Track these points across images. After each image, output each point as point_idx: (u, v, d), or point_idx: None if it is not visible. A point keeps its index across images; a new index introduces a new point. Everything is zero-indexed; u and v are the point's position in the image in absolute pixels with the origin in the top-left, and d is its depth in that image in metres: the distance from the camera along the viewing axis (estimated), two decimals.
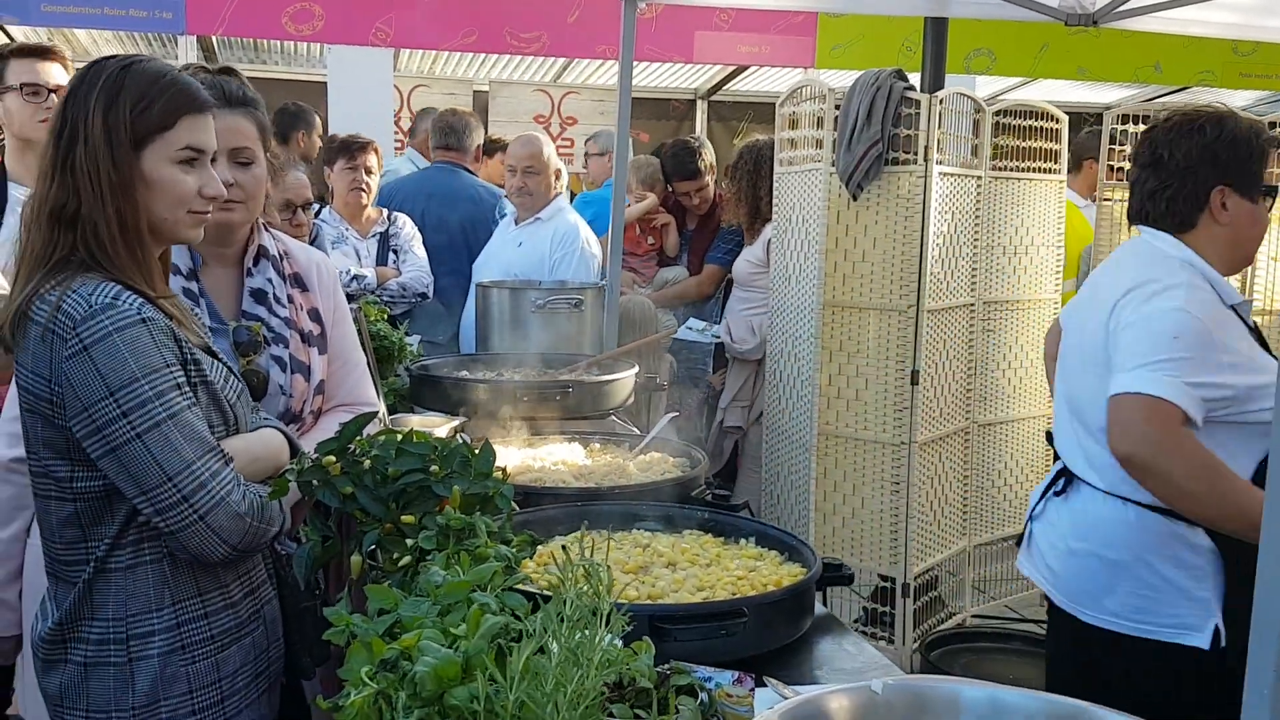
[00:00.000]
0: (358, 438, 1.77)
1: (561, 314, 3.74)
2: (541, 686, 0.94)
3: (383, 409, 2.82)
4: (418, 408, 3.17)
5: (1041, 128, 4.89)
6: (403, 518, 1.68)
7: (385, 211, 4.86)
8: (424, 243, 4.87)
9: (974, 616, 4.94)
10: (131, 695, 1.70)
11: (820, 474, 4.30)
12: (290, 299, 2.32)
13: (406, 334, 4.02)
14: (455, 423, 2.89)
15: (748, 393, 4.93)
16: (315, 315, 2.35)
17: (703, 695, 1.38)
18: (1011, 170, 4.80)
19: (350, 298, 4.43)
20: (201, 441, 1.65)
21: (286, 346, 2.29)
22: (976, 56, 7.34)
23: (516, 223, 4.49)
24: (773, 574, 2.01)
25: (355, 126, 5.49)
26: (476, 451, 1.75)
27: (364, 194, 4.66)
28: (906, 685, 1.25)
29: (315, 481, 1.71)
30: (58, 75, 3.20)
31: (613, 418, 3.21)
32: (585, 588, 1.10)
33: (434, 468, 1.70)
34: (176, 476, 1.61)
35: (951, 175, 4.45)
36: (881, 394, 4.25)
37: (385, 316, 3.65)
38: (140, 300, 1.65)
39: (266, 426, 1.87)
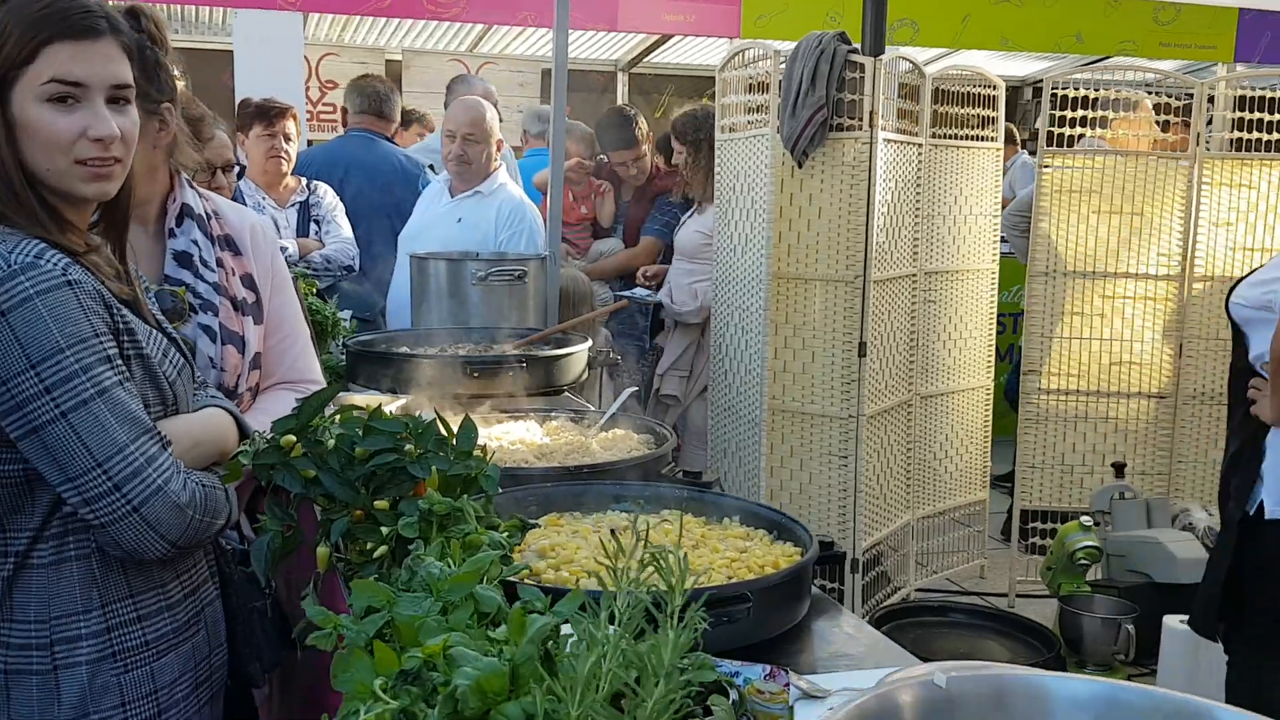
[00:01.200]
0: (319, 416, 1.57)
1: (502, 288, 3.54)
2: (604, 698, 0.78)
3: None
4: (353, 386, 2.96)
5: (978, 94, 4.83)
6: (375, 503, 1.49)
7: (304, 180, 4.60)
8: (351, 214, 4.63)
9: (917, 590, 4.90)
10: (57, 707, 1.49)
11: (768, 449, 4.19)
12: (220, 263, 2.11)
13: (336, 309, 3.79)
14: (400, 402, 2.69)
15: (687, 361, 4.76)
16: (249, 281, 2.14)
17: (733, 693, 1.23)
18: (950, 139, 4.73)
19: None
20: (135, 422, 1.44)
21: (216, 315, 2.08)
22: (900, 27, 7.27)
23: (452, 194, 4.25)
24: (767, 554, 1.88)
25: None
26: (455, 429, 1.57)
27: (283, 162, 4.39)
28: (977, 677, 1.11)
29: (273, 464, 1.51)
30: None
31: (567, 394, 3.03)
32: (639, 575, 0.94)
33: (409, 447, 1.52)
34: (107, 462, 1.40)
35: (895, 142, 4.36)
36: (829, 367, 4.16)
37: (315, 290, 3.43)
38: (66, 260, 1.43)
39: (212, 406, 1.66)
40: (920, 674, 1.18)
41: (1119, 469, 4.64)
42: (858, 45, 4.19)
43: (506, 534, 1.49)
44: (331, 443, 1.54)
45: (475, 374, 2.79)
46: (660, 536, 1.95)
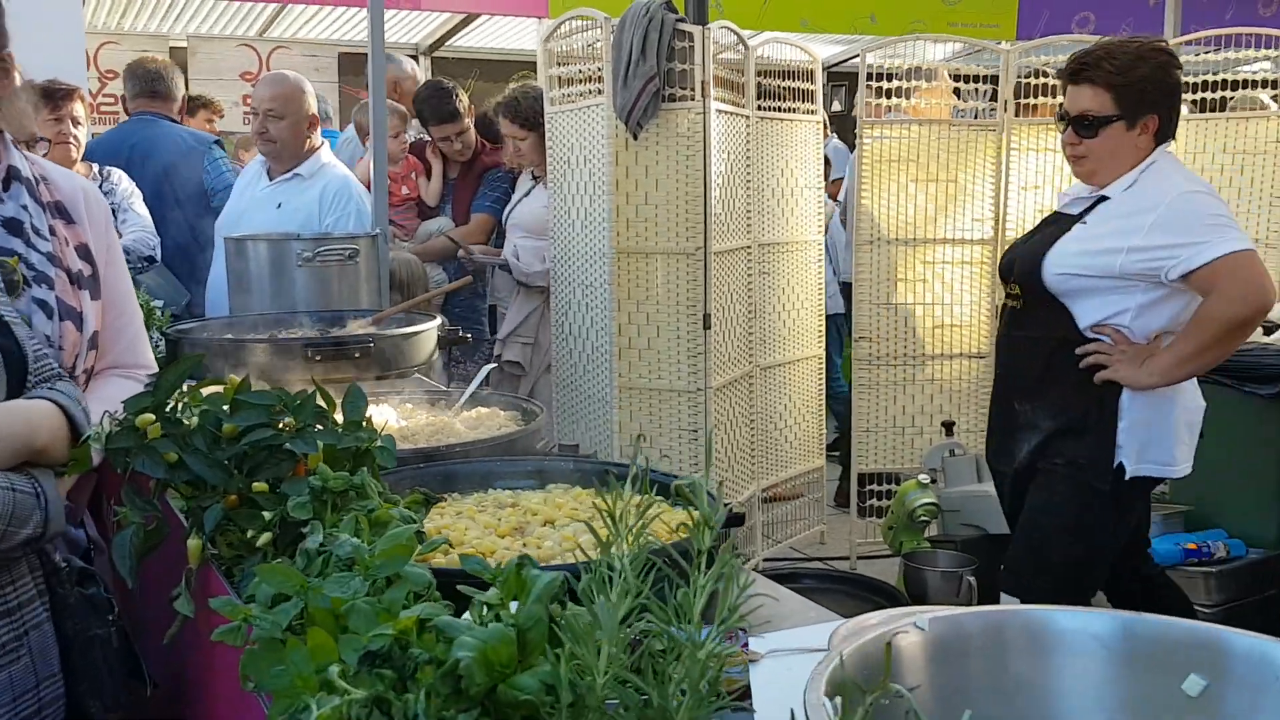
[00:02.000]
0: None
1: (331, 269, 3.30)
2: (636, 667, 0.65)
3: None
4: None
5: (798, 68, 4.88)
6: (254, 485, 1.29)
7: (95, 167, 4.20)
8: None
9: (765, 560, 4.91)
10: None
11: (618, 426, 4.10)
12: (53, 231, 1.84)
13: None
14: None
15: (531, 329, 4.57)
16: (85, 252, 1.88)
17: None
18: (773, 111, 4.75)
19: None
20: None
21: (51, 288, 1.82)
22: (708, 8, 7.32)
23: (270, 177, 3.94)
24: (672, 519, 1.76)
25: None
26: (338, 400, 1.39)
27: (73, 147, 3.98)
28: (959, 617, 1.04)
29: (129, 448, 1.29)
30: None
31: (417, 376, 2.84)
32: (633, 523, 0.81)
33: (287, 420, 1.33)
34: None
35: (725, 114, 4.33)
36: (674, 341, 4.09)
37: None
38: None
39: (39, 398, 1.41)
40: (882, 622, 1.10)
41: (948, 427, 4.77)
42: (684, 16, 4.13)
43: (410, 509, 1.32)
44: (195, 421, 1.33)
45: (317, 357, 2.56)
46: (553, 511, 1.82)
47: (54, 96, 3.93)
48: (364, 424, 1.37)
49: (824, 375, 5.20)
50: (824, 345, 5.20)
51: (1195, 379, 2.82)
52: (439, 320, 2.91)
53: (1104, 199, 2.77)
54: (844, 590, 4.50)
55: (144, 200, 4.29)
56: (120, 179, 4.21)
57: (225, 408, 1.35)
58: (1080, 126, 2.77)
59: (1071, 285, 2.74)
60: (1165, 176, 2.71)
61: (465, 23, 8.24)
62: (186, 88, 5.83)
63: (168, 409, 1.34)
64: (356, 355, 2.63)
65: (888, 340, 4.91)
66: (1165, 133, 2.76)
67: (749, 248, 4.58)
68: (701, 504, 0.84)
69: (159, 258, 4.17)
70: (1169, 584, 3.29)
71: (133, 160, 4.47)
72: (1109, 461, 2.75)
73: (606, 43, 4.02)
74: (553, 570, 0.85)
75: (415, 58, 9.02)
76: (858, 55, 5.01)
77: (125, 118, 5.07)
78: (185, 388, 1.41)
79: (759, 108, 4.63)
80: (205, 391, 1.38)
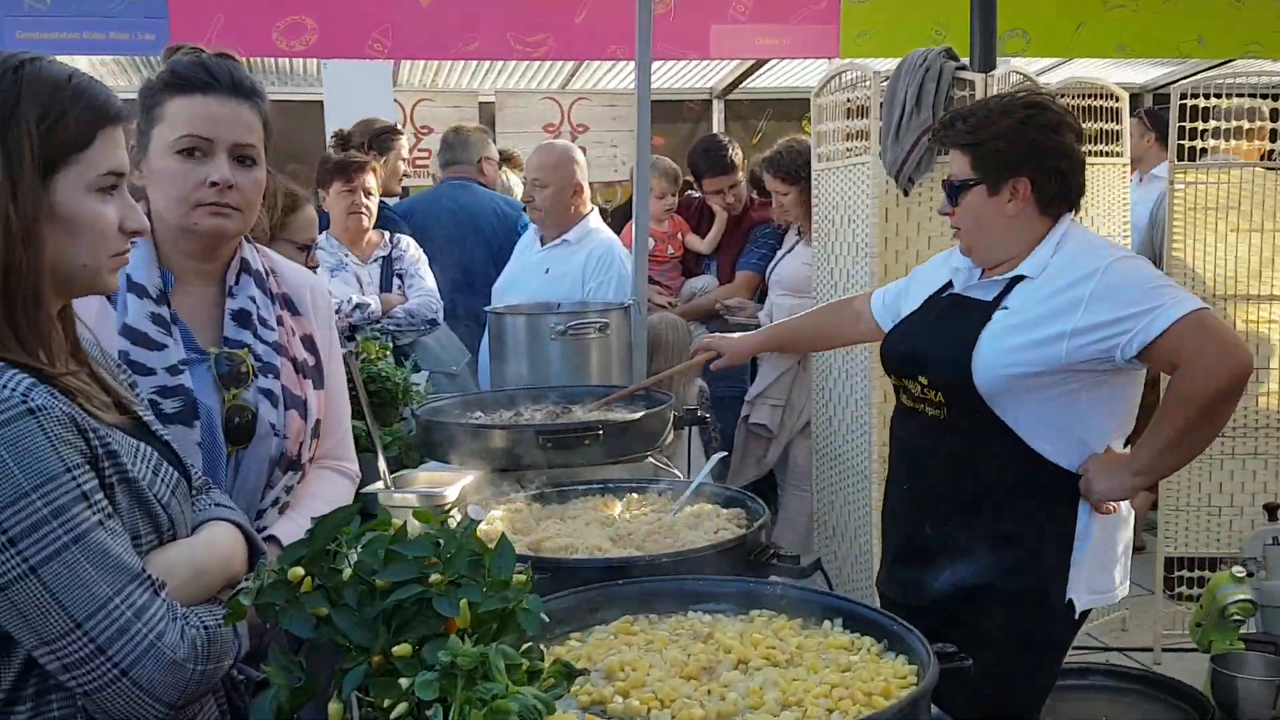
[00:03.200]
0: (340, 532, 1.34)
1: (585, 341, 3.31)
2: None
3: (383, 466, 2.42)
4: (428, 459, 2.76)
5: (1101, 108, 4.45)
6: (394, 650, 1.25)
7: (387, 234, 4.46)
8: (451, 260, 4.48)
9: None
10: None
11: (877, 503, 3.87)
12: (280, 321, 1.93)
13: (416, 368, 3.62)
14: (467, 478, 2.47)
15: (782, 391, 4.43)
16: (310, 343, 1.97)
17: None
18: None
19: (354, 329, 4.05)
20: (119, 569, 1.24)
21: (278, 377, 1.91)
22: (1011, 38, 6.87)
23: (542, 243, 4.05)
24: (874, 675, 1.58)
25: None
26: (490, 547, 1.33)
27: (364, 217, 4.26)
28: None
29: (279, 604, 1.29)
30: None
31: (651, 460, 2.78)
32: None
33: (434, 576, 1.28)
34: (87, 621, 1.20)
35: None
36: None
37: (388, 353, 3.25)
38: (28, 381, 1.24)
39: (215, 520, 1.45)
40: None
41: (1271, 511, 4.18)
42: (966, 60, 3.86)
43: (550, 682, 1.24)
44: (347, 571, 1.31)
45: (549, 444, 2.55)
46: (747, 649, 1.68)
47: (347, 170, 4.21)
48: (510, 581, 1.30)
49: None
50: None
51: None
52: (671, 401, 2.83)
53: (1020, 279, 2.31)
54: (1138, 691, 4.03)
55: (455, 259, 4.52)
56: (409, 245, 4.45)
57: (380, 555, 1.32)
58: (948, 193, 2.38)
59: (1011, 386, 2.27)
60: (1087, 245, 2.32)
61: (757, 66, 8.22)
62: (495, 141, 6.15)
63: (324, 557, 1.32)
64: (586, 442, 2.60)
65: None
66: (1052, 199, 2.32)
67: None
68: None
69: (440, 319, 4.37)
70: None
71: (452, 221, 4.72)
72: (1060, 597, 2.34)
73: (876, 97, 3.83)
74: None
75: (709, 101, 9.13)
76: (1193, 77, 4.50)
77: (439, 173, 5.41)
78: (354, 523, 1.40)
79: None
80: (366, 538, 1.36)
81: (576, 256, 3.95)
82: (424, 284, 4.38)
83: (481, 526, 1.86)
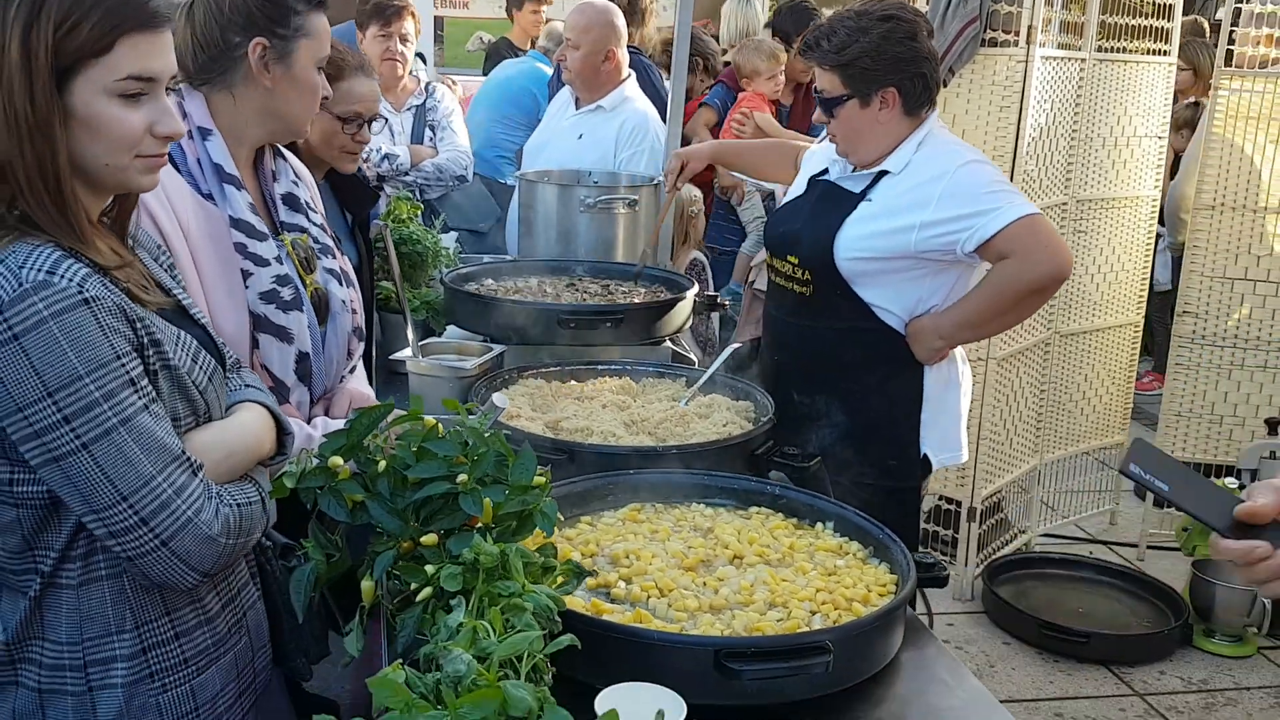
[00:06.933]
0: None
1: (614, 215, 3.36)
2: None
3: (411, 334, 2.53)
4: (453, 325, 2.86)
5: (1151, 3, 4.35)
6: (423, 539, 1.38)
7: (423, 82, 4.44)
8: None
9: (1042, 535, 4.67)
10: None
11: None
12: (311, 204, 2.02)
13: (445, 227, 3.68)
14: (491, 354, 2.58)
15: None
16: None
17: None
18: (1118, 53, 4.29)
19: (381, 179, 4.08)
20: (162, 450, 1.35)
21: (335, 257, 2.01)
22: None
23: (577, 106, 4.03)
24: (857, 582, 1.71)
25: None
26: (514, 451, 1.44)
27: (399, 64, 4.23)
28: None
29: (319, 488, 1.41)
30: None
31: (668, 344, 2.87)
32: None
33: (462, 476, 1.39)
34: (133, 495, 1.32)
35: (1053, 59, 3.97)
36: None
37: (419, 212, 3.31)
38: (84, 271, 1.32)
39: (246, 401, 1.55)
40: None
41: (1273, 425, 4.27)
42: None
43: (561, 580, 1.36)
44: (382, 464, 1.43)
45: (571, 325, 2.65)
46: (743, 547, 1.81)
47: (385, 13, 4.15)
48: (529, 487, 1.41)
49: (1139, 345, 4.78)
50: (1144, 312, 4.76)
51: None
52: (695, 288, 2.91)
53: (884, 174, 2.54)
54: (1120, 587, 4.22)
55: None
56: (444, 95, 4.44)
57: (413, 452, 1.44)
58: (822, 107, 2.57)
59: (865, 269, 2.52)
60: (944, 148, 2.55)
61: None
62: None
63: (361, 450, 1.44)
64: (609, 324, 2.69)
65: (1216, 318, 4.41)
66: (917, 102, 2.52)
67: (1065, 204, 4.23)
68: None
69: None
70: None
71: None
72: (917, 454, 2.64)
73: None
74: None
75: None
76: None
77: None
78: (390, 418, 1.51)
79: (1099, 49, 4.20)
80: (399, 430, 1.47)
81: (610, 125, 3.94)
82: (456, 139, 4.39)
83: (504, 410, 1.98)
